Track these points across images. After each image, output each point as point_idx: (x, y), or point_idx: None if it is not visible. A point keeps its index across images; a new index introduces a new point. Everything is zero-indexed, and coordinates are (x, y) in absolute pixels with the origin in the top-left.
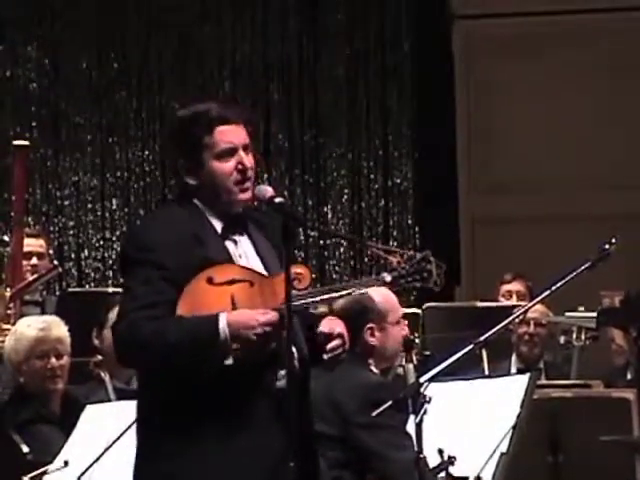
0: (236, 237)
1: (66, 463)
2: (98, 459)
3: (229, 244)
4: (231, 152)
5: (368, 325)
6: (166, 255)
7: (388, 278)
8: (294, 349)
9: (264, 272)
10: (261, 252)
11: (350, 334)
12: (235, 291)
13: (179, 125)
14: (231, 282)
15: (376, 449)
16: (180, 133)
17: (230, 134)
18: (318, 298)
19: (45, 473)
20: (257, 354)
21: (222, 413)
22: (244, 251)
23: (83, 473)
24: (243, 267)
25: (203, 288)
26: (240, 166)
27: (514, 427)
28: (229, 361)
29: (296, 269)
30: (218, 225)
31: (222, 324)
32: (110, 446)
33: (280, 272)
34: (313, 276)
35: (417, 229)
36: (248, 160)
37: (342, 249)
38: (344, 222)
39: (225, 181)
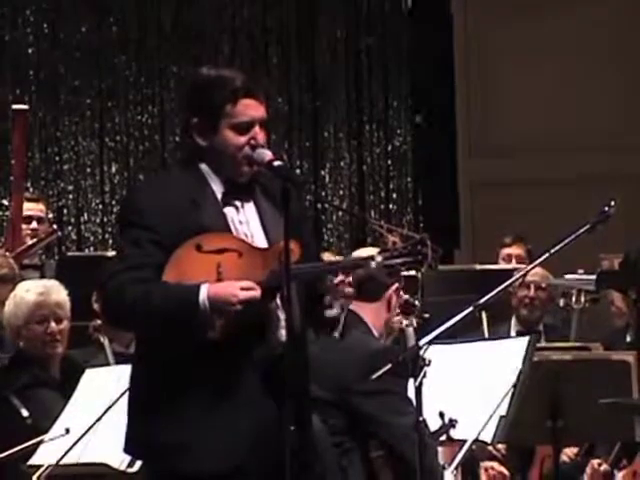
0: (238, 203)
1: (67, 431)
2: (95, 423)
3: (229, 210)
4: (248, 126)
5: (395, 285)
6: (158, 218)
7: (379, 258)
8: (284, 319)
9: (264, 241)
10: (265, 220)
11: (372, 288)
12: (222, 260)
13: (201, 84)
14: (219, 251)
15: (377, 415)
16: (201, 92)
17: (251, 108)
18: (307, 272)
19: (42, 442)
20: (241, 327)
21: (211, 381)
22: (246, 218)
23: (81, 437)
24: (234, 237)
25: (191, 255)
26: (253, 141)
27: (514, 389)
28: (212, 334)
29: None
30: (219, 191)
31: (202, 296)
32: (106, 411)
33: (273, 244)
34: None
35: (417, 193)
36: (261, 137)
37: (340, 213)
38: (342, 186)
39: (235, 153)
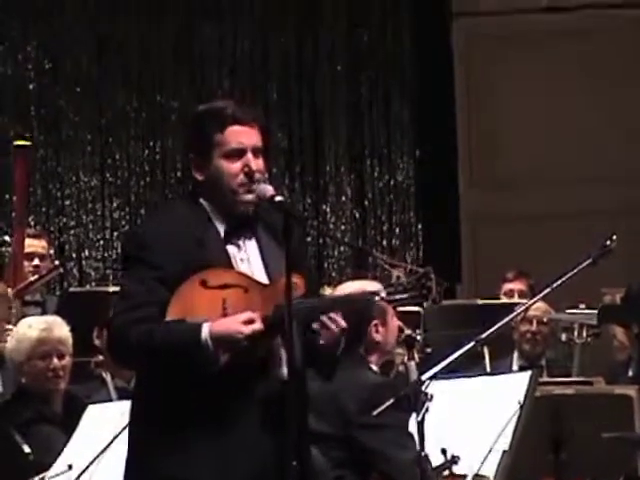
0: (240, 241)
1: (70, 467)
2: (96, 459)
3: (231, 248)
4: (239, 153)
5: (374, 322)
6: (163, 256)
7: (383, 294)
8: (285, 355)
9: (265, 278)
10: (266, 257)
11: (355, 333)
12: (228, 296)
13: (194, 120)
14: (224, 287)
15: (378, 449)
16: (193, 127)
17: (241, 135)
18: (312, 307)
19: (45, 478)
20: (246, 360)
21: (211, 418)
22: (247, 256)
23: (82, 472)
24: (239, 273)
25: (196, 290)
26: (246, 169)
27: (516, 424)
28: (215, 368)
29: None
30: (222, 228)
31: (204, 335)
32: (107, 446)
33: (277, 278)
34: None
35: (419, 227)
36: (256, 164)
37: (342, 248)
38: (344, 221)
39: (230, 181)
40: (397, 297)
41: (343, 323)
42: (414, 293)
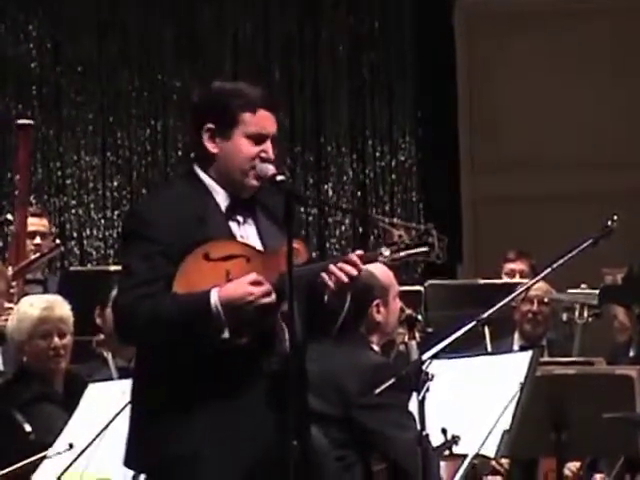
0: (240, 218)
1: (71, 446)
2: (97, 437)
3: (232, 224)
4: (262, 138)
5: (375, 302)
6: (165, 231)
7: (386, 252)
8: (287, 329)
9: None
10: (264, 237)
11: (355, 313)
12: (231, 267)
13: (219, 92)
14: (227, 258)
15: (378, 429)
16: (219, 99)
17: (268, 121)
18: (315, 271)
19: (45, 457)
20: (257, 325)
21: (215, 394)
22: (246, 233)
23: (82, 452)
24: (240, 243)
25: (199, 264)
26: (263, 154)
27: (517, 404)
28: (225, 334)
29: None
30: (223, 203)
31: (214, 301)
32: (108, 424)
33: (278, 247)
34: (314, 254)
35: (420, 207)
36: (272, 152)
37: (343, 227)
38: (345, 200)
39: (244, 162)
40: (400, 254)
41: (354, 271)
42: (416, 250)
